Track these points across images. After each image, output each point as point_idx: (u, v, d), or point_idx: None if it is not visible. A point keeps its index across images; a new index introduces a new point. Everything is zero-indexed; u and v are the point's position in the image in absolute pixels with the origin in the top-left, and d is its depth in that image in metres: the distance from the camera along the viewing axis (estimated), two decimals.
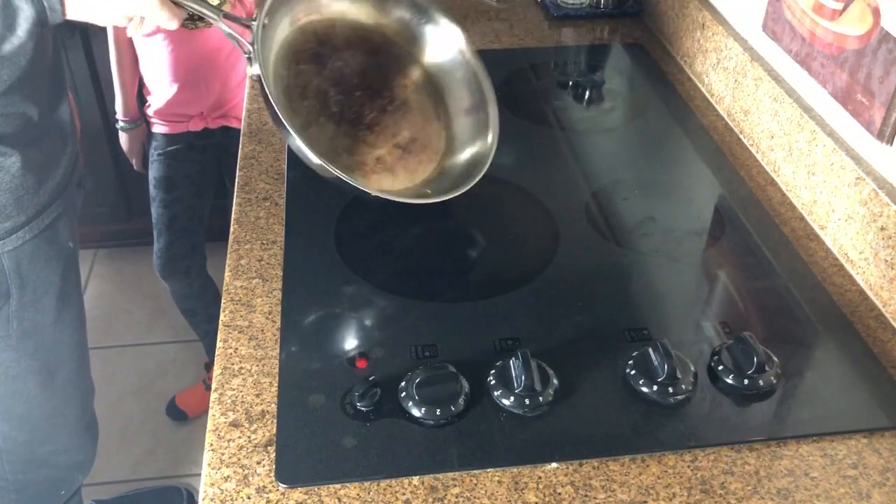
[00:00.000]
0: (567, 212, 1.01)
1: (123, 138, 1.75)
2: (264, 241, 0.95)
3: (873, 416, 0.76)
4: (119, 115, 1.71)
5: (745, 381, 0.77)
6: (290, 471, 0.70)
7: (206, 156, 1.71)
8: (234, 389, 0.77)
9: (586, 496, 0.69)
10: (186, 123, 1.66)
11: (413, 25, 1.00)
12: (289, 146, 0.90)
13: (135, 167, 1.81)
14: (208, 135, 1.67)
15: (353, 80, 0.97)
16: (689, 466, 0.71)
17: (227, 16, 0.88)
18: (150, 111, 1.68)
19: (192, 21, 1.51)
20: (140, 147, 1.76)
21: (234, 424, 0.74)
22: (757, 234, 0.98)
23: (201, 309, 1.91)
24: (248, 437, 0.73)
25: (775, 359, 0.79)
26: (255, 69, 0.86)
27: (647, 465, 0.71)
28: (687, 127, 1.20)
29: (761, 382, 0.77)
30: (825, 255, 0.96)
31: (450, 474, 0.70)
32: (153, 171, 1.72)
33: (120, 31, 1.56)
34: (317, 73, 0.96)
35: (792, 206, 1.03)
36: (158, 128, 1.68)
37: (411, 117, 0.96)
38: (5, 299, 1.01)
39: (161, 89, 1.63)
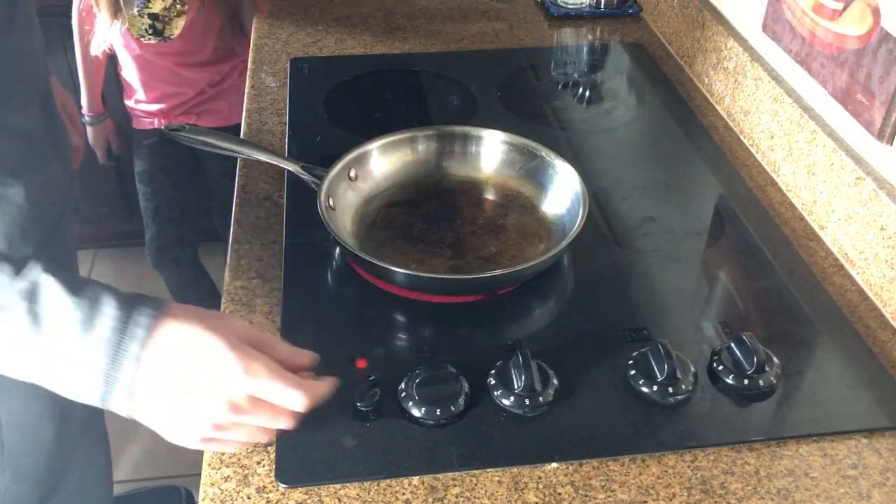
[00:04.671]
0: None
1: (89, 132, 1.82)
2: (264, 241, 0.95)
3: (873, 416, 0.76)
4: (84, 110, 1.78)
5: (745, 381, 0.77)
6: (290, 471, 0.70)
7: (179, 149, 1.76)
8: None
9: (586, 496, 0.69)
10: (153, 121, 1.72)
11: (525, 172, 1.00)
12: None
13: (99, 160, 1.88)
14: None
15: (444, 214, 0.97)
16: (689, 466, 0.71)
17: (305, 168, 0.95)
18: (129, 106, 1.76)
19: (148, 35, 1.56)
20: (104, 141, 1.85)
21: None
22: (757, 234, 0.98)
23: (195, 302, 1.92)
24: None
25: (775, 359, 0.79)
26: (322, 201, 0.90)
27: (647, 465, 0.71)
28: (687, 127, 1.20)
29: (761, 382, 0.77)
30: (825, 255, 0.96)
31: (450, 474, 0.70)
32: (135, 166, 1.81)
33: (84, 34, 1.62)
34: (408, 212, 0.97)
35: (792, 206, 1.03)
36: (135, 122, 1.76)
37: (504, 237, 0.94)
38: None
39: (129, 88, 1.72)
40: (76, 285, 0.61)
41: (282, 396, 0.62)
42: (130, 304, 0.61)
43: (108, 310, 0.60)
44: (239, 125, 1.68)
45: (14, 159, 0.87)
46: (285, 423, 0.64)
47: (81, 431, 1.11)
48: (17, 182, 0.87)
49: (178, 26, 1.57)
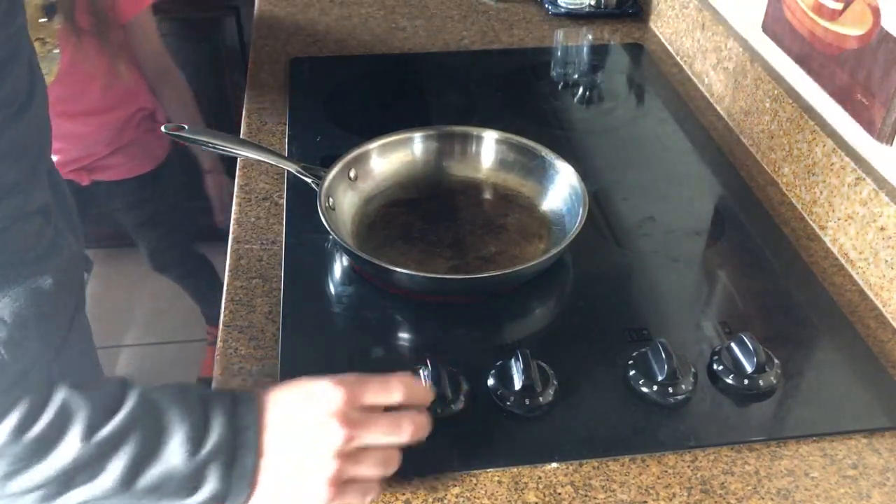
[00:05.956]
0: None
1: None
2: (264, 241, 0.95)
3: (873, 416, 0.76)
4: None
5: (745, 382, 0.77)
6: None
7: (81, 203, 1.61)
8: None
9: (586, 496, 0.69)
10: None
11: (523, 171, 1.01)
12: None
13: None
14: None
15: (444, 214, 0.97)
16: (689, 466, 0.71)
17: (305, 168, 0.95)
18: None
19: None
20: None
21: None
22: (757, 234, 0.98)
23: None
24: None
25: (775, 359, 0.79)
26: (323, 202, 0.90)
27: (647, 465, 0.71)
28: (687, 127, 1.20)
29: (761, 382, 0.77)
30: (825, 255, 0.96)
31: (450, 474, 0.70)
32: None
33: None
34: (408, 212, 0.97)
35: (792, 206, 1.03)
36: None
37: (504, 237, 0.94)
38: None
39: None
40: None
41: (383, 439, 0.63)
42: (231, 447, 0.59)
43: (212, 482, 0.59)
44: (143, 175, 1.59)
45: (38, 244, 0.78)
46: (395, 462, 0.64)
47: None
48: (46, 268, 0.78)
49: (52, 71, 1.34)
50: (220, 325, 0.84)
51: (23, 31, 0.72)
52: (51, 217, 0.72)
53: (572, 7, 1.50)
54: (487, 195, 1.01)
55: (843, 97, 0.95)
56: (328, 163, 0.96)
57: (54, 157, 1.46)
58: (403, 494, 0.69)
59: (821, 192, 0.98)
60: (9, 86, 0.69)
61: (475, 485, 0.69)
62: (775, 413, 0.76)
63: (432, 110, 1.24)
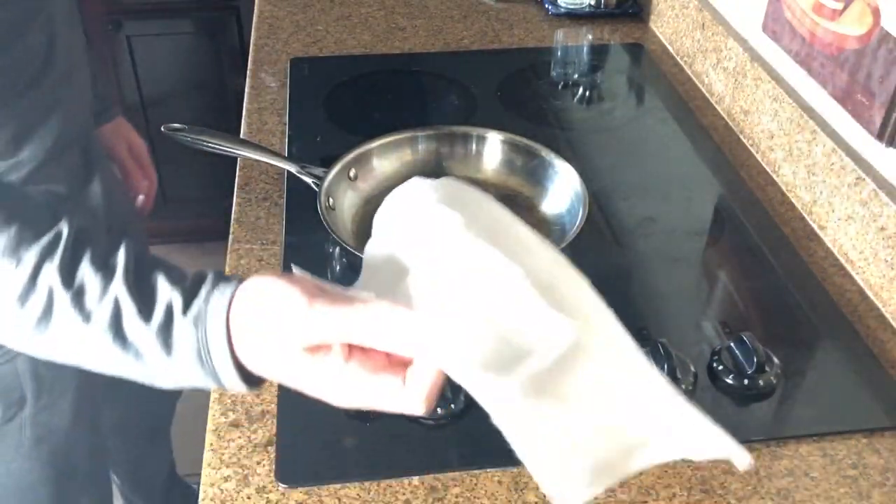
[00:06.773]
0: None
1: None
2: (264, 241, 0.95)
3: (873, 416, 0.76)
4: None
5: (745, 381, 0.77)
6: (291, 471, 0.70)
7: None
8: None
9: None
10: None
11: (524, 171, 1.00)
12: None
13: None
14: None
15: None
16: (689, 466, 0.71)
17: (305, 168, 0.95)
18: None
19: None
20: None
21: (234, 424, 0.74)
22: (757, 234, 0.98)
23: None
24: (248, 437, 0.73)
25: (775, 359, 0.79)
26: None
27: None
28: (687, 127, 1.20)
29: (761, 382, 0.77)
30: (825, 255, 0.96)
31: (450, 474, 0.70)
32: None
33: None
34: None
35: (792, 206, 1.03)
36: None
37: None
38: (19, 407, 0.90)
39: None
40: (148, 303, 0.57)
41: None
42: (199, 315, 0.57)
43: (182, 330, 0.56)
44: None
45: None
46: None
47: (82, 490, 1.06)
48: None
49: None
50: None
51: (40, 10, 0.69)
52: (59, 211, 0.69)
53: (572, 7, 1.50)
54: None
55: (843, 97, 0.95)
56: (328, 163, 0.96)
57: None
58: (403, 494, 0.69)
59: (821, 192, 0.98)
60: (13, 56, 0.67)
61: (475, 485, 0.69)
62: (775, 413, 0.76)
63: (432, 110, 1.24)
